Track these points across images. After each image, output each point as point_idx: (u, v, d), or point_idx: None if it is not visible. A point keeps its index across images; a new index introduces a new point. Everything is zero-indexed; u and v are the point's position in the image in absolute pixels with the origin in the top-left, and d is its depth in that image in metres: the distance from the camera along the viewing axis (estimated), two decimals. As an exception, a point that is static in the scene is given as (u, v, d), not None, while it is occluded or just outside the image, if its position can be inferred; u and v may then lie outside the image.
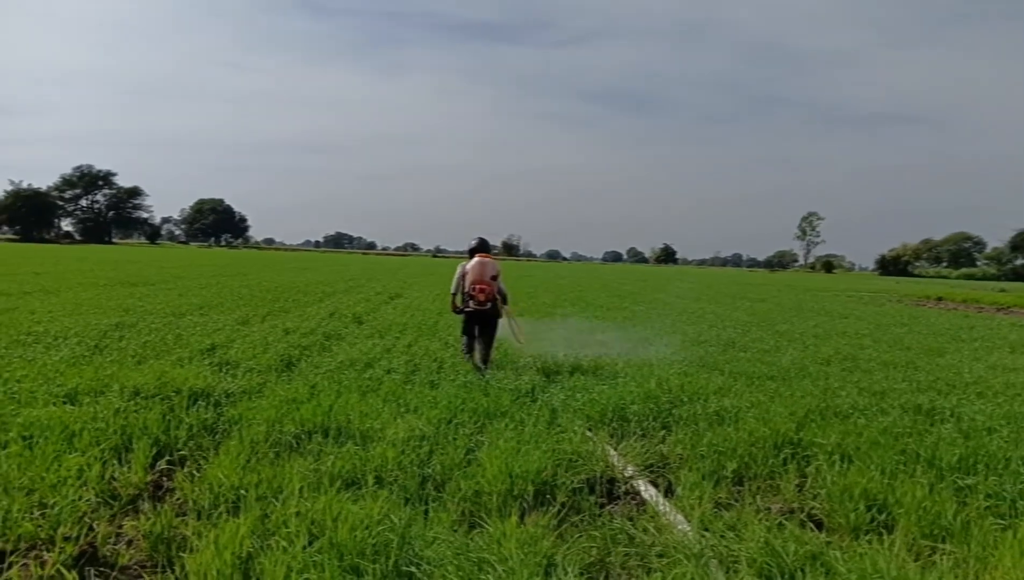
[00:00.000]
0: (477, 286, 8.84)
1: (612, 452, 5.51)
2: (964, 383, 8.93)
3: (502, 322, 9.27)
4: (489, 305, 8.87)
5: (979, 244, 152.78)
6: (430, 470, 4.75)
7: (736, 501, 4.61)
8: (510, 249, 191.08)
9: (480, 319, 8.97)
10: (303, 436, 5.41)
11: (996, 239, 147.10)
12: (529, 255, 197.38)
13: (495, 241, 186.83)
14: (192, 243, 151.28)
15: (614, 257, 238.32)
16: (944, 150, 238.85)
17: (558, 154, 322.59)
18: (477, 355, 8.97)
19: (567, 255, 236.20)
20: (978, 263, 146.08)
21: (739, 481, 5.04)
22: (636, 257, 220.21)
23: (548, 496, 4.42)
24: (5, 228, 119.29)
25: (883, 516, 4.32)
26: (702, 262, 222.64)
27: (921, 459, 5.31)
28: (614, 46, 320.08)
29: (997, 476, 4.98)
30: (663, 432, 6.14)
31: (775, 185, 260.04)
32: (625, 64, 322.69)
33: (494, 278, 8.97)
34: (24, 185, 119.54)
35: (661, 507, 4.39)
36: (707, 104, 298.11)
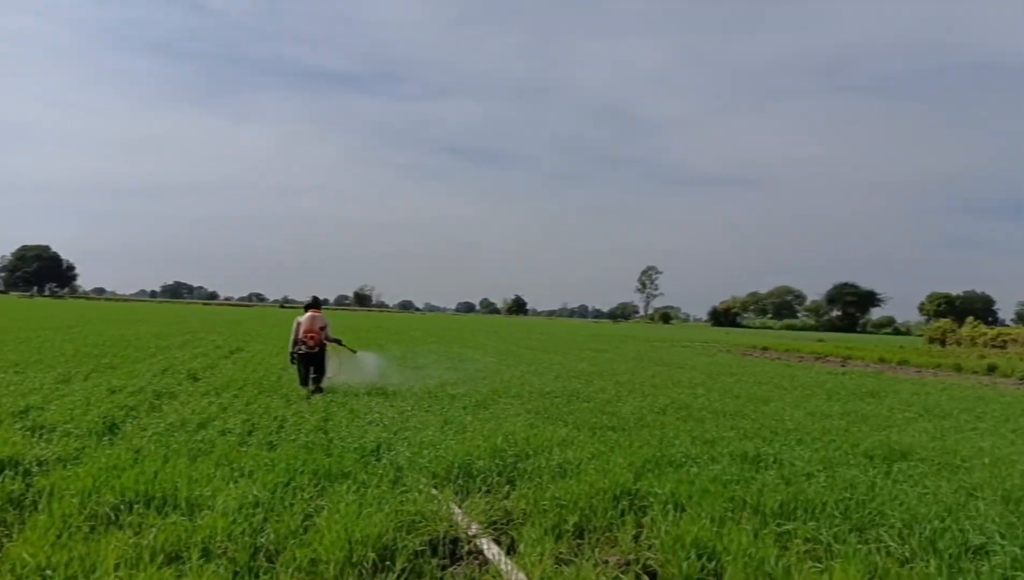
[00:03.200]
0: (308, 334, 11.78)
1: (457, 510, 5.45)
2: (786, 430, 9.55)
3: (329, 361, 12.24)
4: (317, 349, 11.81)
5: (800, 297, 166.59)
6: (263, 539, 4.51)
7: (577, 555, 4.67)
8: (362, 300, 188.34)
9: (311, 359, 11.82)
10: (123, 507, 5.01)
11: (814, 293, 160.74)
12: (382, 305, 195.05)
13: (347, 291, 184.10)
14: (12, 293, 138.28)
15: (467, 308, 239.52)
16: (770, 210, 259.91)
17: (411, 205, 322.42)
18: (311, 385, 11.59)
19: (420, 306, 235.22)
20: (799, 315, 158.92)
21: (580, 534, 5.11)
22: (489, 308, 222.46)
23: (388, 562, 4.30)
24: None
25: (713, 564, 4.51)
26: (551, 313, 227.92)
27: (747, 506, 5.62)
28: (466, 102, 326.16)
29: (815, 520, 5.33)
30: (507, 487, 6.16)
31: (618, 241, 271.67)
32: (478, 120, 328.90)
33: (322, 329, 11.91)
34: None
35: (503, 566, 4.38)
36: (556, 161, 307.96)
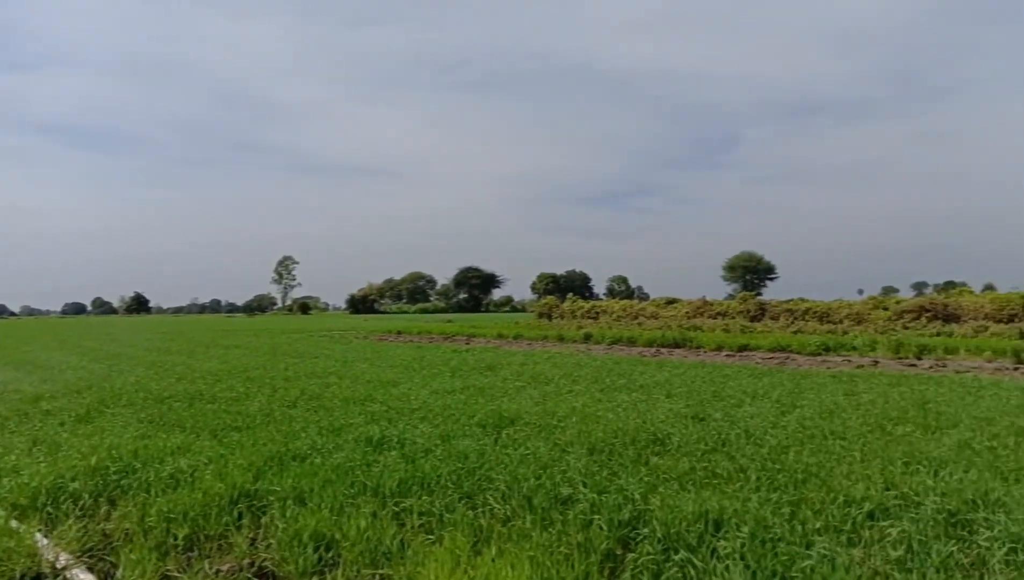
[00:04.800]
0: None
1: (43, 541, 4.78)
2: (411, 410, 9.93)
3: None
4: None
5: (431, 281, 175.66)
6: None
7: (186, 570, 4.37)
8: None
9: None
10: None
11: (444, 277, 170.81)
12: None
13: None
14: None
15: (77, 309, 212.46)
16: (401, 198, 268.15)
17: (3, 194, 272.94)
18: None
19: (16, 310, 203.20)
20: (431, 298, 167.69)
21: (191, 547, 4.80)
22: (103, 308, 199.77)
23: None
24: None
25: (331, 554, 4.52)
26: (179, 310, 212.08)
27: (368, 489, 5.72)
28: (71, 76, 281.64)
29: (430, 494, 5.61)
30: (108, 507, 5.57)
31: (252, 230, 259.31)
32: (77, 96, 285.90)
33: None
34: None
35: (96, 597, 3.93)
36: (180, 145, 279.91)
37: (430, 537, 4.78)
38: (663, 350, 24.94)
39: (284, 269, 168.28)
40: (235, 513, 5.29)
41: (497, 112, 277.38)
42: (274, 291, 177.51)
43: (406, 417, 9.32)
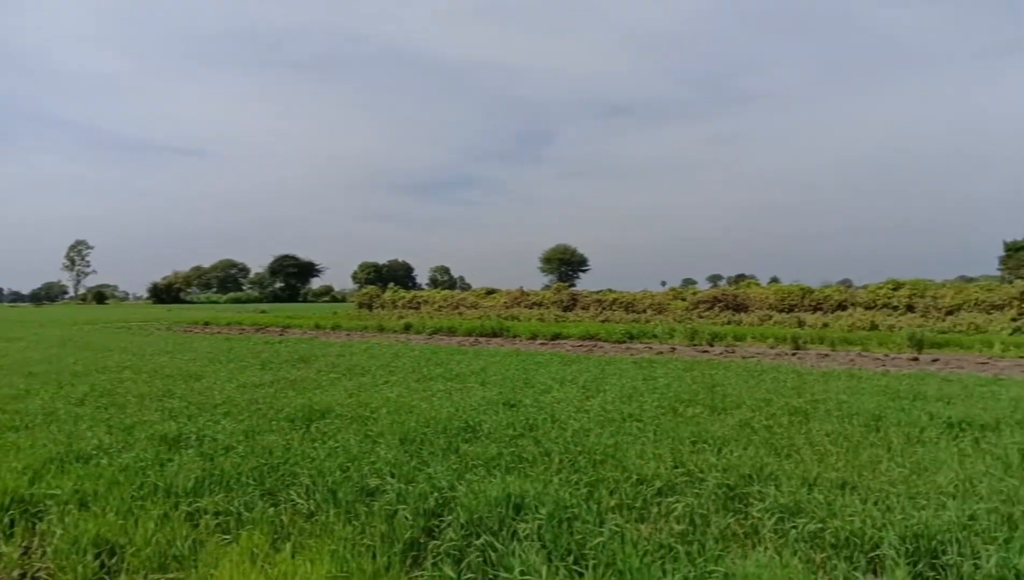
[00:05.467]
0: None
1: None
2: (214, 405, 9.47)
3: None
4: None
5: (244, 270, 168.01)
6: None
7: (-58, 588, 3.94)
8: None
9: None
10: None
11: (257, 265, 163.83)
12: None
13: None
14: None
15: None
16: (211, 181, 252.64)
17: None
18: None
19: None
20: (244, 287, 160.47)
21: (-51, 562, 4.33)
22: None
23: None
24: None
25: (114, 560, 4.24)
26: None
27: (160, 490, 5.42)
28: None
29: (227, 492, 5.39)
30: None
31: (41, 211, 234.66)
32: None
33: None
34: None
35: None
36: None
37: (226, 537, 4.61)
38: (482, 339, 25.41)
39: (77, 254, 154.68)
40: (6, 520, 4.86)
41: (318, 95, 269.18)
42: (65, 279, 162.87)
43: (208, 413, 8.88)
